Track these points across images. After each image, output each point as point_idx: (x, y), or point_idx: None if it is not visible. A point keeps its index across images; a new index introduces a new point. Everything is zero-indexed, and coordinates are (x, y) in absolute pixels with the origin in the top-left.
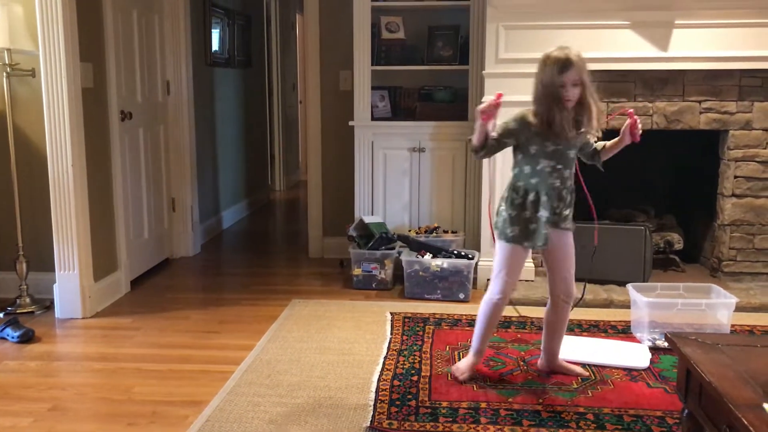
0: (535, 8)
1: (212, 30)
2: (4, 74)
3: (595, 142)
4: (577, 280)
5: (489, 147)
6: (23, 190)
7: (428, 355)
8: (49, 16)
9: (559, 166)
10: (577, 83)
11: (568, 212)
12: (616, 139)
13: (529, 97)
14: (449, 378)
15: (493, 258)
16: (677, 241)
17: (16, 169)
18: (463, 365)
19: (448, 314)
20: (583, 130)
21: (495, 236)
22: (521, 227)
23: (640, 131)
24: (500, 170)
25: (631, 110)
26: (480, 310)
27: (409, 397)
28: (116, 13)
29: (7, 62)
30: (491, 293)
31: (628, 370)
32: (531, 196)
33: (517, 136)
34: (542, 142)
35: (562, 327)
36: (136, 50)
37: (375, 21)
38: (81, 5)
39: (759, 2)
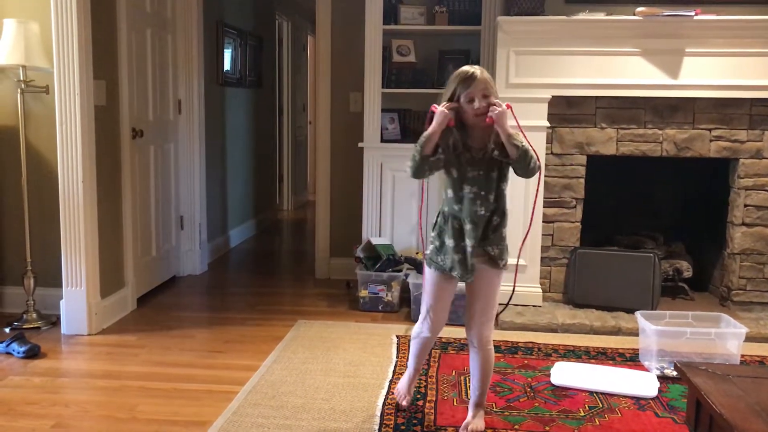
0: (545, 34)
1: (224, 50)
2: (19, 90)
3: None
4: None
5: (435, 161)
6: (33, 206)
7: (434, 380)
8: (65, 34)
9: (483, 192)
10: (486, 95)
11: (496, 239)
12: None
13: (539, 122)
14: (455, 403)
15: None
16: (686, 268)
17: (27, 185)
18: (403, 385)
19: (454, 338)
20: (495, 151)
21: (424, 263)
22: (446, 256)
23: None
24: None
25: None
26: (411, 343)
27: (415, 421)
28: (130, 32)
29: (21, 79)
30: (420, 329)
31: (636, 399)
32: (455, 224)
33: (445, 155)
34: (461, 166)
35: (477, 374)
36: (149, 69)
37: (386, 44)
38: (96, 24)
39: None
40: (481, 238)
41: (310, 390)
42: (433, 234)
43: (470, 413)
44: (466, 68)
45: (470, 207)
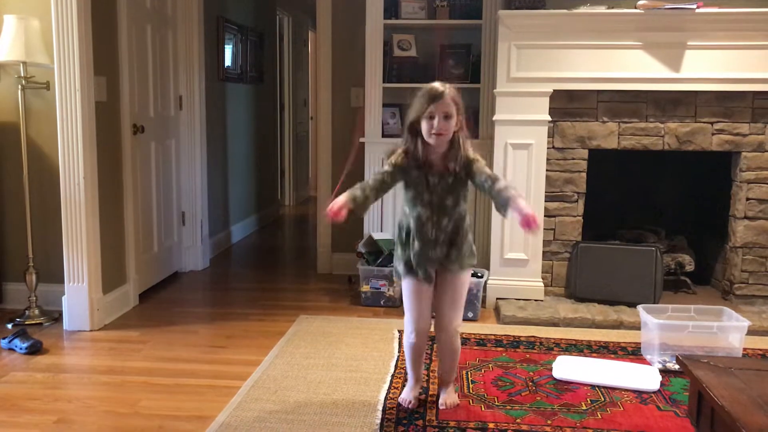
0: (547, 28)
1: (225, 46)
2: (19, 87)
3: (491, 181)
4: None
5: (370, 194)
6: (34, 202)
7: (436, 374)
8: (65, 30)
9: (435, 217)
10: (449, 116)
11: (454, 254)
12: (515, 207)
13: (540, 116)
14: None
15: (500, 277)
16: (688, 262)
17: (28, 181)
18: (406, 394)
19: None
20: (454, 169)
21: (394, 275)
22: (407, 261)
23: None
24: None
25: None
26: (405, 353)
27: (416, 416)
28: (131, 28)
29: (22, 75)
30: (407, 334)
31: (638, 393)
32: (410, 236)
33: (395, 177)
34: (416, 188)
35: (445, 356)
36: (150, 65)
37: (387, 39)
38: (96, 20)
39: None
40: (443, 256)
41: (312, 385)
42: (395, 243)
43: (441, 392)
44: (436, 86)
45: (422, 229)
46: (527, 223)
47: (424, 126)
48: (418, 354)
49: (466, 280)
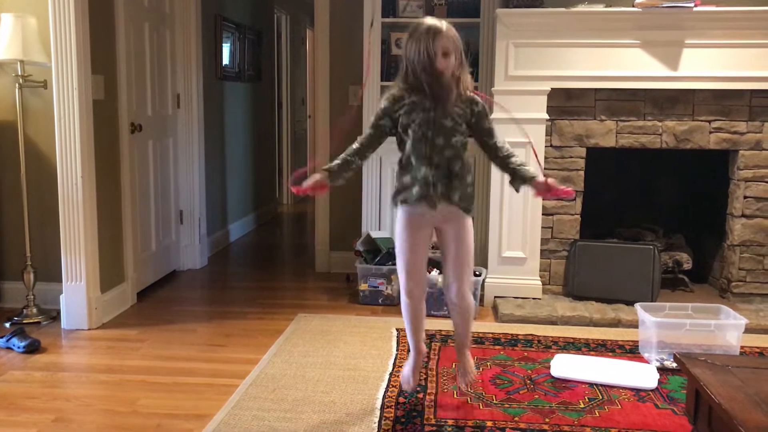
0: (544, 26)
1: (223, 44)
2: (17, 85)
3: (507, 152)
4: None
5: (360, 149)
6: (32, 201)
7: (434, 373)
8: (62, 28)
9: (430, 133)
10: (448, 52)
11: (455, 184)
12: (536, 180)
13: (537, 114)
14: (455, 396)
15: (498, 276)
16: (686, 260)
17: (26, 180)
18: (407, 371)
19: (454, 331)
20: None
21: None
22: (404, 190)
23: (562, 192)
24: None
25: (565, 188)
26: (403, 318)
27: (415, 414)
28: (128, 27)
29: (19, 73)
30: (403, 296)
31: (636, 391)
32: (410, 163)
33: (390, 114)
34: (410, 112)
35: (460, 324)
36: (147, 63)
37: (385, 37)
38: (94, 18)
39: None
40: (442, 182)
41: (311, 383)
42: (396, 175)
43: (460, 358)
44: (433, 22)
45: (417, 146)
46: (559, 193)
47: (424, 60)
48: (416, 319)
49: (470, 227)
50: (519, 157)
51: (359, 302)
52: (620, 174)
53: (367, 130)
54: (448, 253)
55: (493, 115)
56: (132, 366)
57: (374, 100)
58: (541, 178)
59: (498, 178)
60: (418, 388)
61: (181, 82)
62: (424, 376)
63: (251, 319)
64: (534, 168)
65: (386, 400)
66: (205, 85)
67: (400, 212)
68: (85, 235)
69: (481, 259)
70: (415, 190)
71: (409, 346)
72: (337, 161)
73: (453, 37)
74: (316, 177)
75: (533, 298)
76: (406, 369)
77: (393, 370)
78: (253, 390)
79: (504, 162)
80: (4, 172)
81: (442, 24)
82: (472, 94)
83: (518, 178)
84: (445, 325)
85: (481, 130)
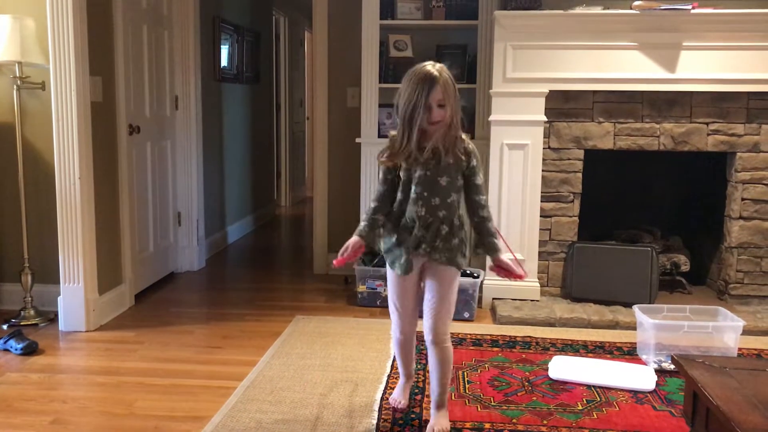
0: (543, 28)
1: (221, 46)
2: (15, 87)
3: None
4: None
5: (379, 206)
6: (30, 202)
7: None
8: (61, 30)
9: (426, 193)
10: (442, 104)
11: (440, 243)
12: (498, 256)
13: (535, 116)
14: (452, 398)
15: (496, 277)
16: (684, 262)
17: (24, 181)
18: (396, 393)
19: (452, 333)
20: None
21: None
22: (391, 252)
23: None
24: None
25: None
26: (393, 346)
27: (413, 416)
28: (126, 28)
29: (17, 75)
30: (393, 331)
31: (634, 393)
32: (401, 222)
33: (394, 170)
34: (409, 169)
35: (435, 373)
36: (146, 65)
37: (383, 39)
38: (92, 20)
39: (767, 25)
40: (428, 243)
41: (308, 385)
42: (385, 224)
43: (432, 415)
44: (428, 70)
45: (413, 207)
46: (512, 276)
47: (418, 113)
48: (405, 352)
49: (452, 278)
50: (493, 222)
51: (357, 304)
52: (618, 176)
53: (378, 186)
54: (427, 297)
55: (493, 117)
56: (129, 368)
57: (373, 101)
58: (503, 256)
59: (496, 178)
60: (416, 390)
61: (180, 84)
62: (422, 378)
63: (249, 321)
64: (502, 244)
65: (384, 402)
66: (203, 86)
67: (388, 267)
68: (83, 237)
69: (479, 261)
70: (404, 259)
71: (401, 374)
72: (364, 223)
73: (448, 85)
74: (352, 242)
75: (531, 300)
76: (397, 391)
77: (391, 371)
78: (250, 392)
79: (479, 225)
80: (1, 174)
81: (436, 71)
82: (469, 145)
83: (484, 245)
84: None
85: (470, 185)
